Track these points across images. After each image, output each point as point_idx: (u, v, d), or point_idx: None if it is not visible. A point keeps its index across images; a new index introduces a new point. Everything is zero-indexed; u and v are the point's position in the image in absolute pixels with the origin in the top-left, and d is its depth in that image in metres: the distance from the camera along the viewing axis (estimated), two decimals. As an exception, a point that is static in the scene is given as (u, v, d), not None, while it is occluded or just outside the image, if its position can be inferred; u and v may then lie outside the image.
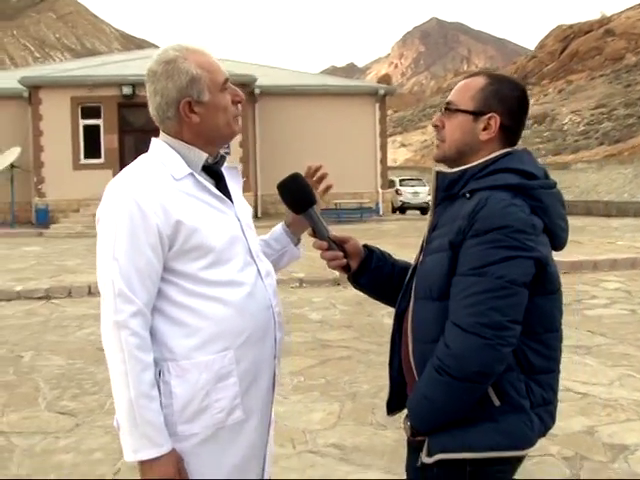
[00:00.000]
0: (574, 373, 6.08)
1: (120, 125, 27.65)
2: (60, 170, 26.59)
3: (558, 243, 2.02)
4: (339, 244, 2.22)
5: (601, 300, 9.87)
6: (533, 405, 1.92)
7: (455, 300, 1.87)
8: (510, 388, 1.89)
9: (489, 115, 2.01)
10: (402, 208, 35.67)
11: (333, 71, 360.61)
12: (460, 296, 1.86)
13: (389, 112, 37.62)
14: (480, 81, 2.06)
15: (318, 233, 2.20)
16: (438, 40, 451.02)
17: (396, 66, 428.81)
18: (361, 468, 4.26)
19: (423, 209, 35.56)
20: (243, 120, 27.34)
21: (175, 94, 2.02)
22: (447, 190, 2.03)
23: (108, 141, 27.33)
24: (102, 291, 1.95)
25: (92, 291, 11.17)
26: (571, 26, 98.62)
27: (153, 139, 2.13)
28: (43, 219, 25.99)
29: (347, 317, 9.01)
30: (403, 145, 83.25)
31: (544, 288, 1.92)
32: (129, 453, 1.93)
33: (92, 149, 27.31)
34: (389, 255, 2.36)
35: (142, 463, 1.92)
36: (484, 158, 2.00)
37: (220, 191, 2.10)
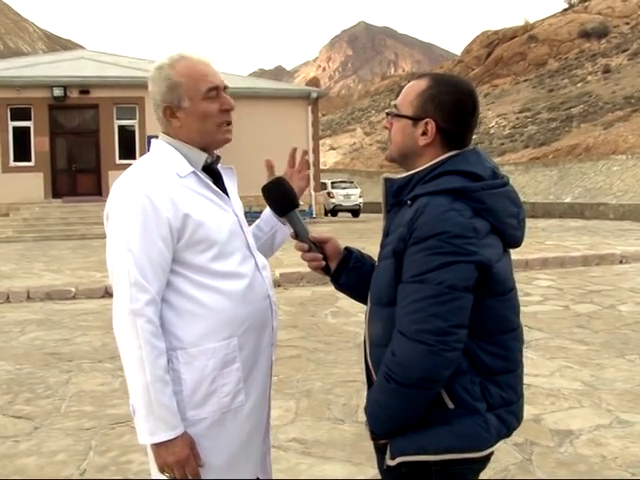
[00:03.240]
0: (516, 366, 6.34)
1: (51, 127, 27.16)
2: (-11, 173, 25.97)
3: (512, 241, 2.05)
4: (319, 245, 2.28)
5: (535, 297, 10.24)
6: (491, 406, 1.97)
7: (399, 308, 1.90)
8: (462, 391, 1.92)
9: (425, 120, 2.02)
10: (334, 210, 35.98)
11: (261, 74, 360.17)
12: (403, 304, 1.89)
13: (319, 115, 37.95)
14: (421, 85, 2.07)
15: (299, 234, 2.28)
16: (366, 44, 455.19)
17: (324, 69, 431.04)
18: (323, 460, 4.40)
19: (355, 211, 35.98)
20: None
21: (159, 99, 2.19)
22: (396, 196, 2.07)
23: (39, 144, 26.79)
24: (116, 281, 2.06)
25: (31, 296, 11.03)
26: (496, 32, 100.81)
27: (153, 140, 2.27)
28: (-29, 224, 25.29)
29: (292, 317, 9.14)
30: (332, 148, 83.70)
31: (493, 290, 1.95)
32: (145, 436, 2.04)
33: (22, 152, 26.75)
34: (369, 257, 2.38)
35: (157, 446, 2.04)
36: (430, 162, 2.02)
37: (219, 189, 2.24)
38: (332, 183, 37.11)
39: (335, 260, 2.31)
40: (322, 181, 34.75)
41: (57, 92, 26.33)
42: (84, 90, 26.63)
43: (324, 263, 2.28)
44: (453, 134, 2.04)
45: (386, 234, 2.09)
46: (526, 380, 5.98)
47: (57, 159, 27.55)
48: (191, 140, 2.21)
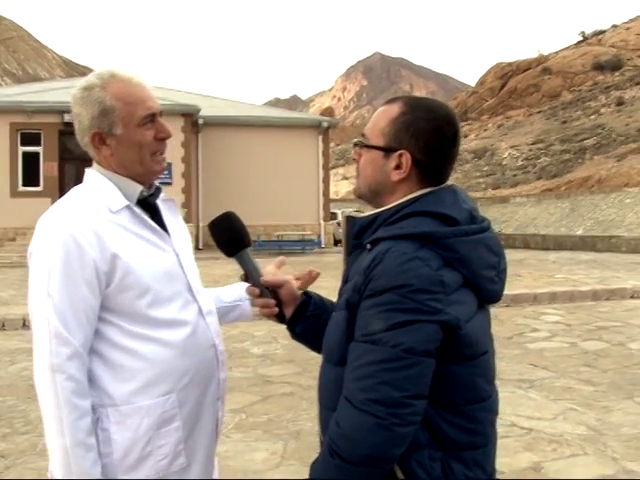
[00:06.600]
0: (519, 408, 6.07)
1: (60, 153, 27.19)
2: (-3, 197, 25.96)
3: (488, 297, 1.76)
4: (273, 289, 2.00)
5: (542, 333, 9.95)
6: None
7: (348, 370, 1.62)
8: (419, 468, 1.62)
9: (399, 152, 1.74)
10: (344, 240, 35.74)
11: (276, 103, 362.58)
12: (352, 366, 1.61)
13: (331, 145, 37.88)
14: (393, 110, 1.78)
15: (250, 277, 2.02)
16: (381, 74, 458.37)
17: (339, 99, 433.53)
18: (305, 510, 4.13)
19: (366, 241, 35.74)
20: (186, 150, 27.16)
21: (87, 123, 1.95)
22: (358, 237, 1.79)
23: (48, 169, 26.84)
24: (35, 330, 1.83)
25: (27, 324, 10.82)
26: (510, 64, 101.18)
27: (87, 170, 2.04)
28: (-23, 248, 25.25)
29: (289, 352, 8.87)
30: (345, 178, 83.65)
31: (460, 354, 1.65)
32: None
33: (31, 177, 26.80)
34: (331, 303, 2.04)
35: None
36: (399, 200, 1.75)
37: (157, 224, 2.01)
38: (342, 213, 36.95)
39: (291, 306, 2.01)
40: (332, 211, 34.61)
41: (68, 118, 26.34)
42: (94, 116, 26.69)
43: (277, 310, 2.00)
44: (431, 167, 1.76)
45: (345, 281, 1.80)
46: (528, 424, 5.72)
47: (65, 185, 27.46)
48: (123, 170, 1.98)
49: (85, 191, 1.97)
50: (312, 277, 2.13)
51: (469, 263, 1.68)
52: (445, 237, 1.66)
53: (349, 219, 1.83)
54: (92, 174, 2.01)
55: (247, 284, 2.15)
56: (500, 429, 5.46)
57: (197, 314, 2.01)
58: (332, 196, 37.48)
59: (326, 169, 32.13)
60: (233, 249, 2.01)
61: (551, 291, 13.26)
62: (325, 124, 31.94)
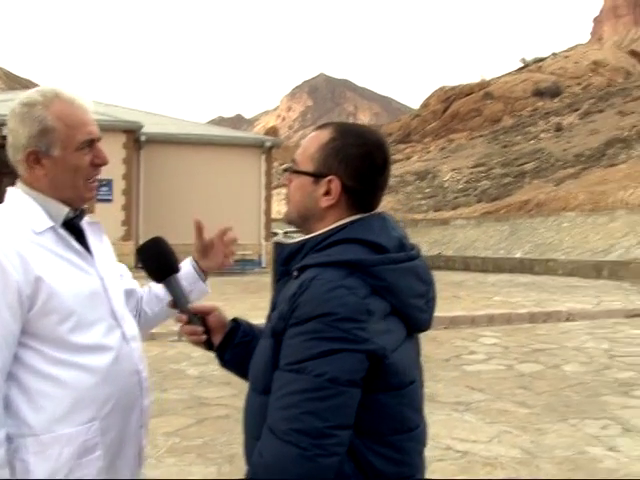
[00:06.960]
0: (454, 430, 6.08)
1: (-2, 167, 26.64)
2: None
3: (416, 325, 1.74)
4: (201, 316, 1.99)
5: (479, 355, 10.03)
6: None
7: (272, 399, 1.59)
8: None
9: (329, 178, 1.73)
10: (286, 260, 35.65)
11: (220, 122, 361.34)
12: (276, 395, 1.57)
13: (275, 164, 37.92)
14: (324, 136, 1.78)
15: (178, 304, 1.99)
16: (326, 95, 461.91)
17: (284, 119, 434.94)
18: (236, 537, 4.05)
19: (307, 261, 35.70)
20: (128, 167, 26.81)
21: (24, 140, 1.91)
22: (286, 264, 1.76)
23: (-17, 183, 26.25)
24: None
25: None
26: (453, 88, 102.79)
27: (9, 188, 1.98)
28: None
29: (226, 373, 8.54)
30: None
31: (387, 383, 1.63)
32: None
33: (-35, 191, 26.16)
34: (260, 330, 2.00)
35: None
36: (328, 227, 1.74)
37: (81, 247, 1.96)
38: (284, 233, 36.88)
39: (219, 334, 1.99)
40: (273, 231, 34.54)
41: (5, 131, 25.88)
42: (33, 130, 26.20)
43: (204, 337, 1.97)
44: (361, 194, 1.76)
45: (273, 308, 1.77)
46: (463, 447, 5.72)
47: (2, 199, 26.97)
48: (53, 192, 1.93)
49: (7, 211, 1.92)
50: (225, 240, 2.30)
51: (397, 292, 1.66)
52: (373, 265, 1.64)
53: (277, 245, 1.81)
54: (15, 193, 1.97)
55: (194, 261, 2.28)
56: (435, 452, 5.48)
57: (120, 339, 1.96)
58: (274, 215, 37.35)
59: (269, 188, 32.10)
60: (161, 275, 1.99)
61: (489, 313, 13.41)
62: (268, 143, 31.91)
